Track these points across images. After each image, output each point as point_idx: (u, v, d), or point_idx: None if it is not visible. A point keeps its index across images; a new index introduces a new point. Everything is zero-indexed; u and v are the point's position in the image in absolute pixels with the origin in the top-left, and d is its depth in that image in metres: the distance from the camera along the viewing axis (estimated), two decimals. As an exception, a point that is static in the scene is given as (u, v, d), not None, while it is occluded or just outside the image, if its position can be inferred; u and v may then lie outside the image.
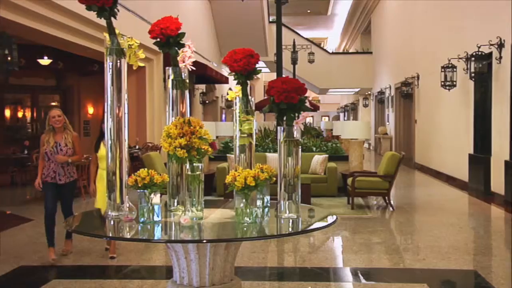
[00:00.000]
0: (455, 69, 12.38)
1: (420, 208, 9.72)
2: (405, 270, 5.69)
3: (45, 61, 14.86)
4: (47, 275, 5.39)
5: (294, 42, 22.10)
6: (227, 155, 11.24)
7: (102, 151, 5.57)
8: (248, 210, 2.88)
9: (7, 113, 17.23)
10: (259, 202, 3.03)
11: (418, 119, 17.11)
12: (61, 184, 5.90)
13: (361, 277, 5.46)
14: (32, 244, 5.38)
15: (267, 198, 3.14)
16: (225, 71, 23.82)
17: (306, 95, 3.15)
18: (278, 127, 3.18)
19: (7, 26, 8.35)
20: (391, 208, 9.19)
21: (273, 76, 23.38)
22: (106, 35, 3.16)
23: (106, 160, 3.18)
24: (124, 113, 3.19)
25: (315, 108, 28.00)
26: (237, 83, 3.36)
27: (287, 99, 3.03)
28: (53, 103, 18.28)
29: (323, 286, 5.11)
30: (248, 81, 3.34)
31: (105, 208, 4.57)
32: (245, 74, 3.24)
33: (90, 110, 18.73)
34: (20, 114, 17.77)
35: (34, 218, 8.16)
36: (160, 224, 2.95)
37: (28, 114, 17.83)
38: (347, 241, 7.15)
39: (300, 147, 3.17)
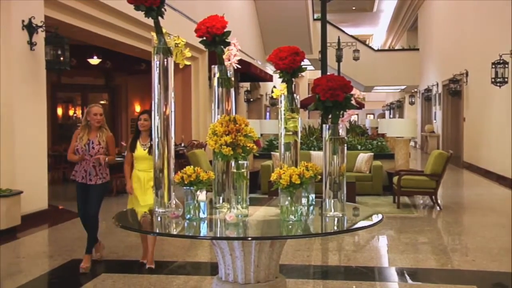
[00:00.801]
0: (506, 65, 12.00)
1: (468, 208, 9.48)
2: (453, 271, 5.57)
3: (94, 61, 15.25)
4: (97, 268, 5.53)
5: (339, 40, 21.91)
6: (272, 153, 11.25)
7: (139, 151, 5.38)
8: (293, 208, 2.88)
9: (59, 111, 17.79)
10: (304, 200, 3.02)
11: (467, 116, 16.67)
12: (90, 185, 5.52)
13: (407, 277, 5.37)
14: (83, 238, 5.52)
15: (312, 196, 3.13)
16: (269, 69, 23.84)
17: (352, 92, 3.13)
18: (323, 125, 3.16)
19: (60, 27, 8.61)
20: (438, 208, 9.00)
21: (318, 73, 23.25)
22: (154, 34, 3.21)
23: (153, 158, 3.23)
24: (171, 111, 3.24)
25: (360, 106, 27.71)
26: (282, 81, 3.36)
27: (333, 97, 3.01)
28: (102, 102, 18.74)
29: (368, 286, 5.06)
30: (293, 79, 3.34)
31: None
32: (290, 72, 3.24)
33: (137, 108, 19.10)
34: (71, 112, 18.31)
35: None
36: (206, 221, 2.98)
37: (78, 112, 18.35)
38: (393, 240, 7.04)
39: (345, 145, 3.15)
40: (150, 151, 5.19)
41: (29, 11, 7.92)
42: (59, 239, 7.10)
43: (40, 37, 8.10)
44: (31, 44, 7.94)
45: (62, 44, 8.39)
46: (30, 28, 7.91)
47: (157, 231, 3.20)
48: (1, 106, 7.55)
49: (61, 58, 8.42)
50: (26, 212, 7.66)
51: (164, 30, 3.21)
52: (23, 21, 7.84)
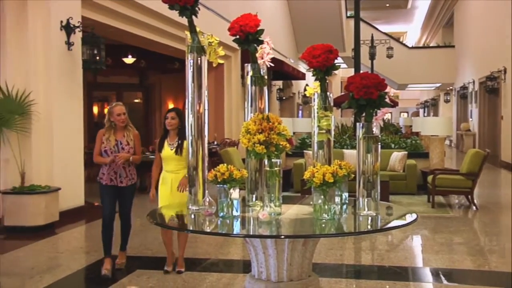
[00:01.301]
0: (546, 62, 11.67)
1: (506, 208, 9.26)
2: (491, 273, 5.45)
3: (129, 60, 15.46)
4: (132, 265, 5.61)
5: (372, 37, 21.67)
6: (304, 151, 11.22)
7: (166, 151, 5.10)
8: (326, 207, 2.87)
9: (95, 109, 18.11)
10: (337, 199, 3.01)
11: (505, 115, 16.28)
12: (121, 187, 5.33)
13: (443, 278, 5.29)
14: (118, 235, 5.61)
15: (345, 195, 3.12)
16: (302, 67, 23.75)
17: (385, 90, 3.10)
18: (357, 124, 3.14)
19: (96, 27, 8.77)
20: (474, 208, 8.82)
21: (350, 71, 23.06)
22: (188, 33, 3.25)
23: (187, 156, 3.27)
24: (205, 110, 3.27)
25: (394, 104, 27.36)
26: (315, 79, 3.35)
27: (367, 95, 2.99)
28: (136, 100, 19.00)
29: (402, 286, 5.00)
30: (326, 77, 3.33)
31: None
32: (324, 70, 3.23)
33: (171, 106, 19.29)
34: (106, 111, 18.62)
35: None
36: (239, 219, 3.00)
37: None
38: (427, 240, 6.94)
39: (379, 143, 3.12)
40: (177, 151, 5.04)
41: (67, 12, 8.09)
42: (95, 235, 7.23)
43: (77, 37, 8.27)
44: (69, 44, 8.11)
45: (98, 43, 8.55)
46: (68, 28, 8.08)
47: (191, 228, 3.23)
48: (40, 105, 7.73)
49: (97, 58, 8.57)
50: (63, 208, 7.83)
51: (197, 29, 3.24)
52: (61, 21, 8.01)
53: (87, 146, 12.08)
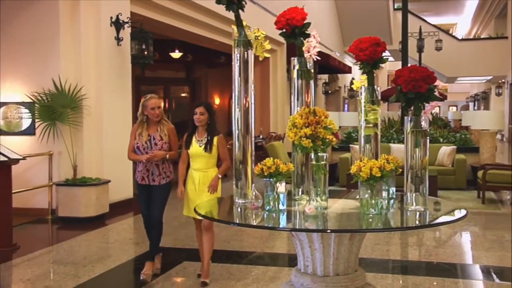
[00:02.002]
0: None
1: (561, 205, 8.94)
2: (544, 271, 5.28)
3: (176, 55, 15.67)
4: (179, 257, 5.72)
5: (420, 29, 21.21)
6: (350, 145, 11.12)
7: (194, 147, 4.70)
8: (373, 201, 2.85)
9: (142, 104, 18.45)
10: (384, 194, 2.98)
11: (561, 108, 15.66)
12: (153, 186, 4.95)
13: (494, 276, 5.16)
14: (165, 226, 5.72)
15: (393, 189, 3.08)
16: (348, 60, 23.50)
17: (435, 84, 3.04)
18: (405, 117, 3.10)
19: (144, 22, 8.94)
20: (527, 204, 8.55)
21: (397, 65, 22.65)
22: (234, 27, 3.26)
23: (233, 149, 3.29)
24: (251, 103, 3.29)
25: (442, 97, 26.74)
26: (363, 73, 3.32)
27: (415, 88, 2.94)
28: (183, 94, 19.24)
29: (451, 283, 4.90)
30: (374, 70, 3.29)
31: (192, 215, 4.48)
32: (371, 63, 3.19)
33: (217, 100, 19.46)
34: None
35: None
36: (285, 213, 3.00)
37: (161, 105, 18.96)
38: (477, 237, 6.78)
39: (428, 137, 3.07)
40: (206, 148, 4.67)
41: (116, 8, 8.28)
42: (143, 227, 7.39)
43: (126, 32, 8.45)
44: (118, 39, 8.31)
45: (146, 39, 8.72)
46: (118, 24, 8.27)
47: (237, 221, 3.26)
48: (91, 99, 7.95)
49: (145, 53, 8.75)
50: (113, 200, 8.06)
51: (244, 23, 3.26)
52: (111, 18, 8.21)
53: (135, 139, 12.31)
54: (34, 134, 7.95)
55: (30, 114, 7.95)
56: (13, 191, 6.36)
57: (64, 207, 7.59)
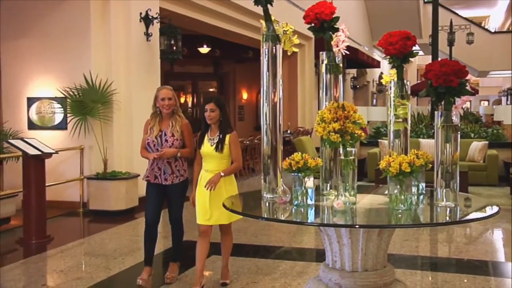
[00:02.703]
0: None
1: None
2: None
3: (204, 50, 15.75)
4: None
5: (451, 22, 20.82)
6: (379, 140, 11.02)
7: (206, 147, 4.28)
8: (402, 197, 2.82)
9: (172, 99, 18.62)
10: (414, 189, 2.95)
11: None
12: (166, 185, 4.58)
13: (526, 274, 5.06)
14: (193, 221, 5.77)
15: (422, 185, 3.05)
16: (376, 55, 23.26)
17: (466, 78, 2.99)
18: (435, 112, 3.06)
19: (172, 18, 9.01)
20: (562, 201, 8.36)
21: (427, 59, 22.32)
22: (263, 22, 3.27)
23: (262, 144, 3.30)
24: (279, 98, 3.29)
25: (474, 92, 26.25)
26: (392, 67, 3.29)
27: (446, 83, 2.90)
28: (211, 89, 19.33)
29: (482, 281, 4.82)
30: (403, 65, 3.26)
31: (204, 223, 4.27)
32: (401, 57, 3.16)
33: (244, 95, 19.50)
34: (182, 100, 19.10)
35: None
36: (313, 208, 3.00)
37: (189, 99, 19.10)
38: (510, 234, 6.65)
39: (458, 132, 3.03)
40: (218, 147, 4.24)
41: (146, 4, 8.37)
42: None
43: (155, 28, 8.53)
44: (147, 35, 8.39)
45: (175, 34, 8.78)
46: (147, 20, 8.36)
47: (265, 216, 3.27)
48: (121, 94, 8.06)
49: (174, 48, 8.82)
50: (142, 194, 8.10)
51: (272, 18, 3.26)
52: (140, 13, 8.30)
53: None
54: (66, 128, 8.10)
55: (62, 109, 8.10)
56: (46, 184, 6.50)
57: (95, 200, 7.73)
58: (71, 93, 7.89)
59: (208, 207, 4.30)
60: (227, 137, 4.27)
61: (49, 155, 6.46)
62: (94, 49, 8.01)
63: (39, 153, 6.34)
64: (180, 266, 4.94)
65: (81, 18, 7.98)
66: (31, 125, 8.30)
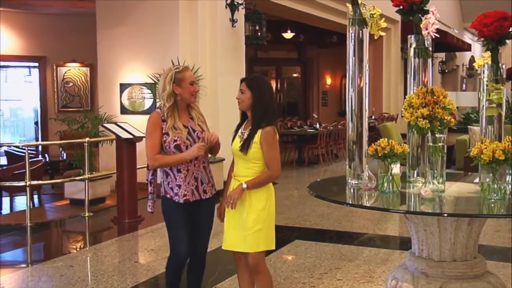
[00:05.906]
0: None
1: None
2: None
3: (288, 35, 15.72)
4: (291, 235, 5.81)
5: (553, 0, 19.45)
6: (469, 127, 10.57)
7: (235, 143, 3.34)
8: (495, 186, 2.71)
9: (255, 85, 18.82)
10: (508, 178, 2.82)
11: None
12: (203, 200, 3.42)
13: None
14: (277, 206, 5.85)
15: (518, 174, 2.91)
16: (467, 37, 22.20)
17: None
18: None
19: (258, 3, 9.07)
20: None
21: (525, 40, 20.98)
22: (349, 5, 3.22)
23: (347, 130, 3.27)
24: (365, 83, 3.24)
25: None
26: (486, 49, 3.15)
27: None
28: (295, 75, 19.31)
29: None
30: (499, 47, 3.11)
31: (232, 248, 3.29)
32: (496, 39, 3.01)
33: (328, 81, 19.31)
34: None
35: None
36: (399, 195, 2.95)
37: (273, 85, 19.21)
38: None
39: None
40: (243, 146, 3.22)
41: (231, -10, 8.47)
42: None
43: (240, 14, 8.63)
44: (233, 21, 8.51)
45: (259, 20, 8.84)
46: (232, 6, 8.47)
47: (350, 202, 3.25)
48: (207, 80, 8.25)
49: (259, 34, 8.88)
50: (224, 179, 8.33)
51: (359, 1, 3.20)
52: (226, 0, 8.41)
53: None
54: (155, 113, 8.41)
55: (151, 95, 8.42)
56: (137, 167, 6.81)
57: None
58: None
59: (226, 227, 3.36)
60: (258, 132, 3.19)
61: (139, 138, 6.75)
62: (182, 36, 8.23)
63: (131, 136, 6.65)
64: None
65: (170, 6, 8.22)
66: (123, 110, 8.70)
